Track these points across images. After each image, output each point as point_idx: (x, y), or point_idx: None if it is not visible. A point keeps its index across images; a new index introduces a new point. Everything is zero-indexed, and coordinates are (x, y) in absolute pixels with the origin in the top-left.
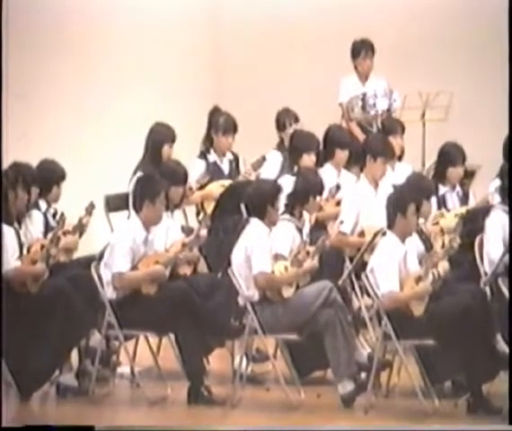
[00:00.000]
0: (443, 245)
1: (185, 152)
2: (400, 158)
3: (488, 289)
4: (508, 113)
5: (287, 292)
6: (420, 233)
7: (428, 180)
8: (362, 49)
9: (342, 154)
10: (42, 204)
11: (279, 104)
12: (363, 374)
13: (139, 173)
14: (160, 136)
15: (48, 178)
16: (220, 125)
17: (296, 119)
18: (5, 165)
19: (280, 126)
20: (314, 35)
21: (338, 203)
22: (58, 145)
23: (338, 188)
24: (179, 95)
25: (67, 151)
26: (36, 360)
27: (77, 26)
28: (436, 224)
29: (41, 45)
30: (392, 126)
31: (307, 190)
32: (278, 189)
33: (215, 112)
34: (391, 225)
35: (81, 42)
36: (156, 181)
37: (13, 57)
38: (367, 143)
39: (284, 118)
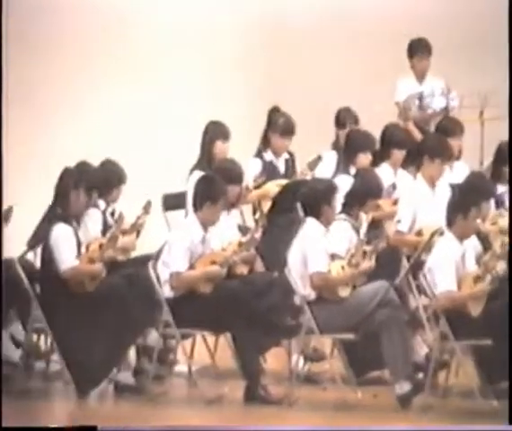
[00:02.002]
0: (501, 245)
1: (242, 151)
2: (458, 158)
3: None
4: (508, 112)
5: (344, 291)
6: (479, 233)
7: (488, 181)
8: (419, 49)
9: (399, 154)
10: (101, 203)
11: (336, 103)
12: (420, 375)
13: (197, 172)
14: (212, 134)
15: (109, 180)
16: (278, 126)
17: (356, 121)
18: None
19: (340, 124)
20: (371, 34)
21: (394, 202)
22: (117, 145)
23: (394, 187)
24: (236, 94)
25: (125, 150)
26: (93, 358)
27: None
28: (495, 223)
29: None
30: (450, 127)
31: (366, 192)
32: (334, 189)
33: (274, 112)
34: (450, 225)
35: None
36: (219, 183)
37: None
38: (425, 143)
39: (344, 117)
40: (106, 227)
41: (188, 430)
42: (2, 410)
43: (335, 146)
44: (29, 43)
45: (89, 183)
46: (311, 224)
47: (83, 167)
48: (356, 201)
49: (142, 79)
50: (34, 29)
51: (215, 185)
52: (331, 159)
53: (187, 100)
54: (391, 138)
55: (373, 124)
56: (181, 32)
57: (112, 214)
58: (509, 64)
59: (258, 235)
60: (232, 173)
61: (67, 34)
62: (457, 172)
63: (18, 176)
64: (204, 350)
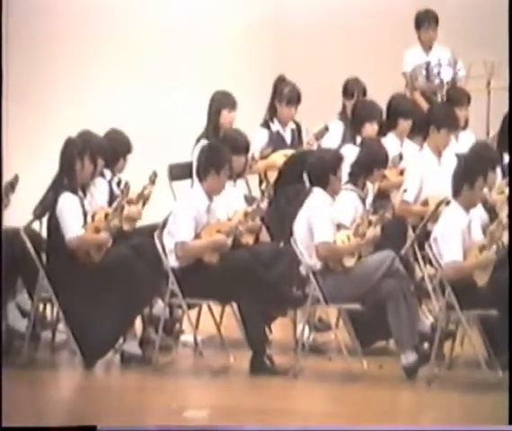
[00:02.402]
0: (508, 215)
1: (248, 121)
2: (464, 128)
3: None
4: (508, 110)
5: (350, 261)
6: (485, 203)
7: (494, 151)
8: (425, 20)
9: (405, 124)
10: (107, 173)
11: (342, 74)
12: (426, 345)
13: (203, 142)
14: (219, 103)
15: (114, 149)
16: (284, 95)
17: (364, 92)
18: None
19: (347, 94)
20: (378, 4)
21: (401, 172)
22: (122, 115)
23: (401, 157)
24: (242, 64)
25: (131, 120)
26: (100, 328)
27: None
28: (501, 193)
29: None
30: (457, 97)
31: (372, 162)
32: (340, 158)
33: (280, 82)
34: (456, 195)
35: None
36: (222, 151)
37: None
38: (432, 113)
39: (352, 87)
40: (112, 197)
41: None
42: (2, 409)
43: (342, 117)
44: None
45: (93, 151)
46: (317, 194)
47: (86, 136)
48: (362, 171)
49: (148, 48)
50: None
51: (219, 153)
52: (337, 129)
53: (193, 69)
54: (397, 108)
55: (380, 95)
56: (189, 3)
57: (118, 184)
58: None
59: (264, 205)
60: (237, 143)
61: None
62: (464, 142)
63: (23, 146)
64: (210, 320)
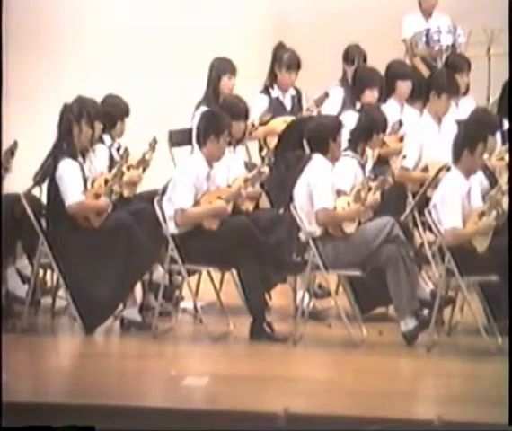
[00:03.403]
0: (508, 180)
1: (248, 87)
2: (465, 94)
3: None
4: (508, 109)
5: (349, 228)
6: (485, 169)
7: (494, 116)
8: None
9: (404, 86)
10: (107, 138)
11: (342, 40)
12: (425, 311)
13: (202, 108)
14: (219, 69)
15: (112, 113)
16: (284, 61)
17: (365, 58)
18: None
19: (348, 60)
20: None
21: (401, 139)
22: (121, 82)
23: (400, 123)
24: (242, 30)
25: (131, 86)
26: (100, 294)
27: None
28: (501, 159)
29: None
30: (458, 62)
31: (371, 127)
32: (340, 124)
33: (279, 48)
34: (456, 161)
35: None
36: (221, 117)
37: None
38: (432, 78)
39: (354, 54)
40: (112, 163)
41: None
42: (3, 410)
43: (342, 83)
44: None
45: (90, 115)
46: (317, 160)
47: (82, 101)
48: (361, 137)
49: (148, 13)
50: None
51: (218, 119)
52: (337, 95)
53: (193, 36)
54: (394, 71)
55: (380, 61)
56: None
57: (118, 150)
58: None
59: (263, 171)
60: (237, 109)
61: None
62: (464, 108)
63: (22, 111)
64: (209, 287)
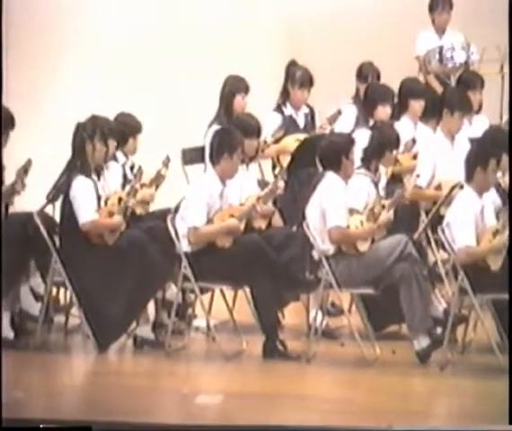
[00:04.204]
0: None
1: (262, 105)
2: (478, 111)
3: None
4: (509, 111)
5: (363, 246)
6: (498, 187)
7: (507, 134)
8: (439, 2)
9: (417, 104)
10: (120, 156)
11: (356, 57)
12: (438, 330)
13: (215, 126)
14: (232, 88)
15: (124, 130)
16: (297, 78)
17: (378, 76)
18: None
19: (362, 78)
20: None
21: (414, 156)
22: (136, 100)
23: (414, 141)
24: (255, 49)
25: (145, 105)
26: (113, 312)
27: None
28: None
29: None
30: (471, 80)
31: (383, 144)
32: (352, 142)
33: (292, 66)
34: (469, 179)
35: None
36: (235, 135)
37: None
38: (445, 96)
39: (367, 71)
40: (125, 181)
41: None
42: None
43: (355, 100)
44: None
45: (103, 133)
46: (330, 178)
47: (94, 119)
48: (374, 154)
49: (161, 32)
50: None
51: (231, 137)
52: (350, 113)
53: (206, 54)
54: (407, 89)
55: (393, 78)
56: None
57: (132, 168)
58: (510, 63)
59: (276, 189)
60: (249, 127)
61: None
62: (477, 126)
63: (35, 131)
64: (222, 305)
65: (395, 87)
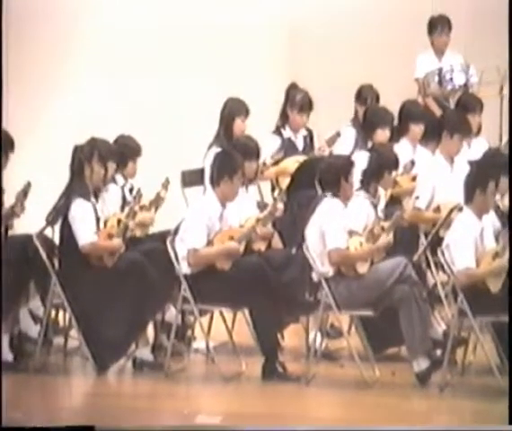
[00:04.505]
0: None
1: (260, 128)
2: (477, 134)
3: None
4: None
5: (362, 268)
6: (497, 209)
7: (506, 156)
8: (438, 25)
9: (417, 129)
10: (119, 178)
11: (355, 80)
12: (438, 351)
13: (214, 148)
14: (232, 110)
15: (124, 153)
16: (296, 102)
17: (378, 98)
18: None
19: (361, 100)
20: (390, 11)
21: (413, 178)
22: (135, 122)
23: (413, 163)
24: (254, 71)
25: (143, 127)
26: (112, 334)
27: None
28: None
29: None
30: (470, 103)
31: (382, 166)
32: (351, 164)
33: (292, 89)
34: (468, 201)
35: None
36: (235, 158)
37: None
38: (444, 119)
39: (366, 94)
40: (125, 203)
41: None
42: (2, 410)
43: (354, 123)
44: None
45: (102, 155)
46: (329, 200)
47: (93, 141)
48: (373, 176)
49: (160, 52)
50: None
51: (232, 159)
52: (349, 135)
53: (205, 76)
54: (408, 113)
55: (392, 101)
56: (202, 10)
57: (131, 190)
58: (509, 64)
59: (278, 211)
60: (249, 149)
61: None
62: (476, 149)
63: (34, 152)
64: (222, 327)
65: (394, 109)
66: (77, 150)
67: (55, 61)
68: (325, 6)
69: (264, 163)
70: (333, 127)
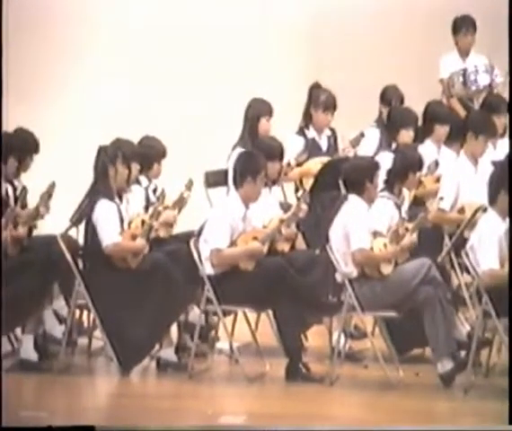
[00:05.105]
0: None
1: (284, 128)
2: (502, 135)
3: None
4: (509, 115)
5: (386, 269)
6: None
7: None
8: (463, 25)
9: (442, 130)
10: (143, 179)
11: (379, 80)
12: (462, 353)
13: (239, 149)
14: (256, 111)
15: (149, 154)
16: (320, 102)
17: (402, 99)
18: None
19: (385, 101)
20: (414, 11)
21: (437, 179)
22: (159, 123)
23: (437, 164)
24: (278, 71)
25: (168, 128)
26: (136, 334)
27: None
28: None
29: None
30: (495, 103)
31: (406, 166)
32: (376, 165)
33: (315, 88)
34: (492, 202)
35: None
36: (258, 158)
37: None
38: (469, 120)
39: (391, 95)
40: (148, 204)
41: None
42: (2, 410)
43: (378, 123)
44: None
45: (126, 156)
46: (353, 201)
47: (117, 142)
48: (397, 177)
49: (185, 55)
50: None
51: (255, 160)
52: (373, 136)
53: (229, 77)
54: (433, 114)
55: (417, 102)
56: (225, 12)
57: (154, 191)
58: (509, 64)
59: (301, 212)
60: (272, 150)
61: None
62: (502, 150)
63: (59, 153)
64: (245, 327)
65: (419, 110)
66: (101, 151)
67: (80, 62)
68: (348, 7)
69: (289, 164)
70: (357, 128)
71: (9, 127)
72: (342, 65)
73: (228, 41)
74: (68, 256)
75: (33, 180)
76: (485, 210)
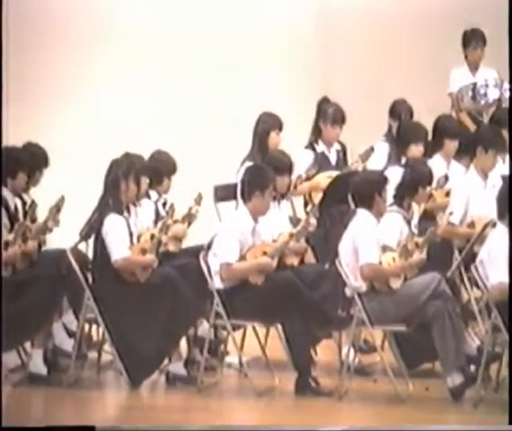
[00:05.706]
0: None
1: (293, 142)
2: None
3: None
4: (508, 116)
5: (395, 283)
6: None
7: None
8: (473, 39)
9: (452, 145)
10: (153, 194)
11: (388, 94)
12: (472, 367)
13: (248, 163)
14: (266, 125)
15: (159, 169)
16: (329, 116)
17: (411, 113)
18: None
19: (394, 115)
20: (423, 24)
21: (447, 194)
22: (169, 137)
23: (446, 178)
24: (287, 86)
25: (177, 142)
26: (145, 348)
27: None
28: None
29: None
30: (504, 118)
31: (416, 181)
32: (385, 180)
33: (324, 103)
34: (501, 217)
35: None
36: (266, 172)
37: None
38: (479, 134)
39: (400, 109)
40: (158, 218)
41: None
42: (2, 410)
43: (387, 138)
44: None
45: (137, 172)
46: (362, 215)
47: (130, 157)
48: (406, 191)
49: (194, 69)
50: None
51: (262, 174)
52: (383, 150)
53: (238, 91)
54: (443, 129)
55: (426, 116)
56: (232, 24)
57: (164, 205)
58: (510, 65)
59: (311, 227)
60: (281, 164)
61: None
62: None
63: (68, 167)
64: (254, 342)
65: (428, 124)
66: (113, 165)
67: (90, 75)
68: (358, 21)
69: (299, 177)
70: (367, 142)
71: (17, 139)
72: (352, 78)
73: (238, 55)
74: (78, 270)
75: (42, 193)
76: (494, 225)
